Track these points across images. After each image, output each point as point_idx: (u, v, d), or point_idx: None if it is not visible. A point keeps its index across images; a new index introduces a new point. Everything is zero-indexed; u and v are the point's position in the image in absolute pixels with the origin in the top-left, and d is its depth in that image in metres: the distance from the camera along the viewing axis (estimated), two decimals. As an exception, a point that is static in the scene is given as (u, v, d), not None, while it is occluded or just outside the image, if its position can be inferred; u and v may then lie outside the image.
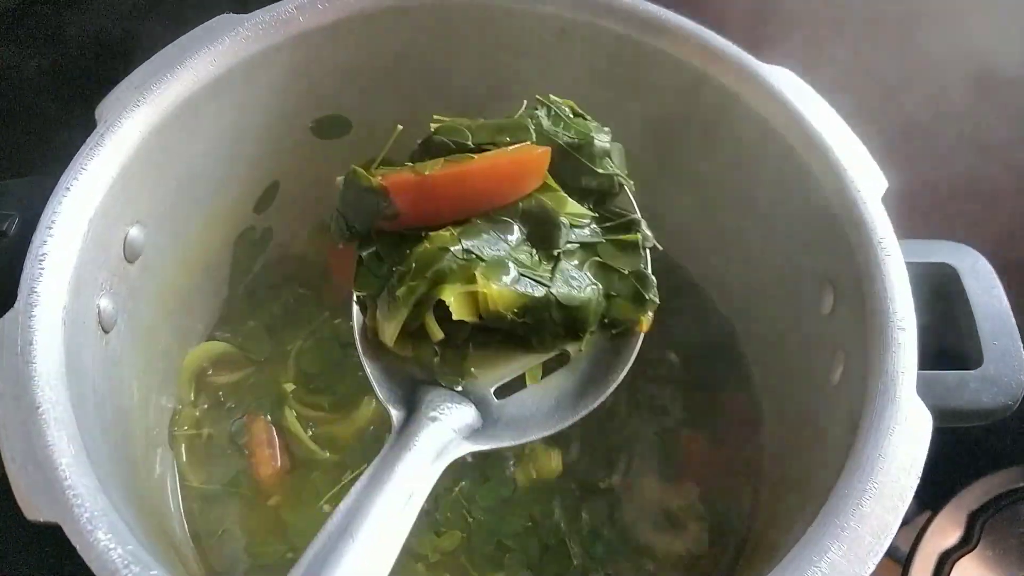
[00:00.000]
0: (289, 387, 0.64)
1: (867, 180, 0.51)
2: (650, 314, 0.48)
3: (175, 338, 0.63)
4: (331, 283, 0.70)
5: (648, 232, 0.49)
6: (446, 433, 0.44)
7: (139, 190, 0.52)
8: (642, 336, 0.49)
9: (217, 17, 0.56)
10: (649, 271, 0.48)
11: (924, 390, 0.45)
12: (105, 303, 0.51)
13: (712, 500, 0.62)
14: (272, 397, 0.64)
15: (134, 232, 0.53)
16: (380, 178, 0.45)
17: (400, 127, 0.47)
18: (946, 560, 0.69)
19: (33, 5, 0.74)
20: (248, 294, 0.69)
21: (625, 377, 0.49)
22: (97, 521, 0.39)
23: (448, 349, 0.47)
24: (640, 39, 0.58)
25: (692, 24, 0.57)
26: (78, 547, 0.38)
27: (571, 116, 0.49)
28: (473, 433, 0.46)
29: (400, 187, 0.45)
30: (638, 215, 0.49)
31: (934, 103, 0.75)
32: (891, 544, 0.68)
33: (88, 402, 0.46)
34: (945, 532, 0.70)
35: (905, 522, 0.71)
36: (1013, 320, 0.50)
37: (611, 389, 0.48)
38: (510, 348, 0.48)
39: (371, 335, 0.47)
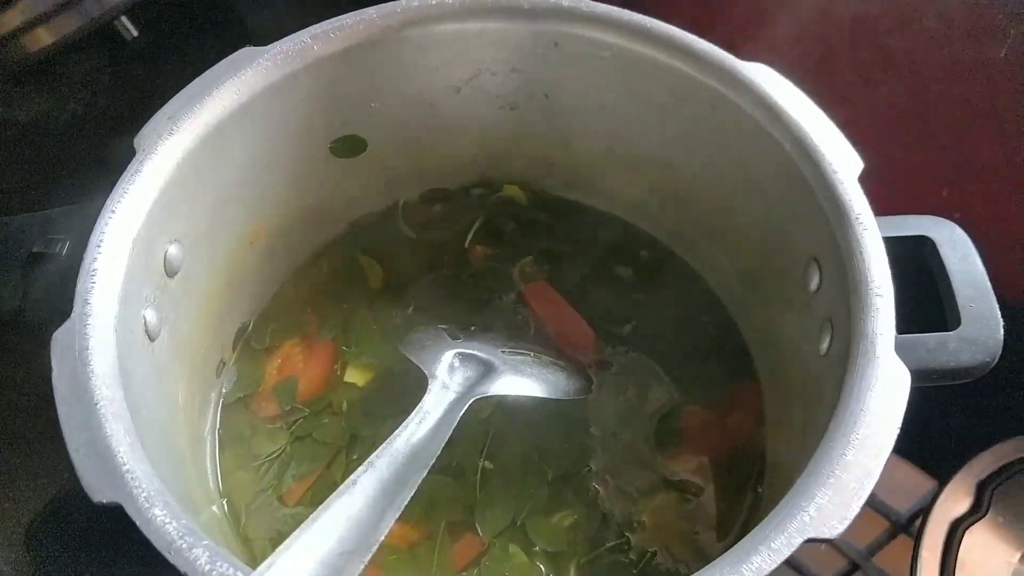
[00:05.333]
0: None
1: (843, 162, 0.55)
2: None
3: (214, 347, 0.68)
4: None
5: None
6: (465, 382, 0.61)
7: (176, 211, 0.57)
8: None
9: (240, 50, 0.60)
10: None
11: (907, 352, 0.49)
12: (150, 314, 0.56)
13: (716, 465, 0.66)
14: None
15: (173, 250, 0.58)
16: None
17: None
18: (957, 528, 0.71)
19: (69, 53, 0.80)
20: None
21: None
22: (153, 500, 0.44)
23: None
24: (628, 47, 0.63)
25: (676, 30, 0.61)
26: (138, 523, 0.43)
27: None
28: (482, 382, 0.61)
29: None
30: None
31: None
32: (904, 519, 0.73)
33: (138, 400, 0.50)
34: (956, 501, 0.72)
35: (915, 493, 0.75)
36: (988, 283, 0.53)
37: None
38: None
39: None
